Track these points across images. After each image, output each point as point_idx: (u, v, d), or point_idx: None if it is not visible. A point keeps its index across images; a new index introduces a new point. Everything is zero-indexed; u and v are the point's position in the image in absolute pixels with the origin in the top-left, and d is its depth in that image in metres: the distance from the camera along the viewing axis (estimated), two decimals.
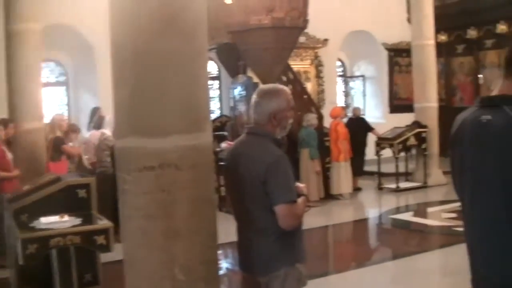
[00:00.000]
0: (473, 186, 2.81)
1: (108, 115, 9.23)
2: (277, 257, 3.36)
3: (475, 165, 2.77)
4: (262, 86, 3.61)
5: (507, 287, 2.70)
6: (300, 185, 3.57)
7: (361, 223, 10.50)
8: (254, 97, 3.50)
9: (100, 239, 5.17)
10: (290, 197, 3.29)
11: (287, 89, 3.56)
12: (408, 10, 15.22)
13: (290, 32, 11.55)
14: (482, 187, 2.75)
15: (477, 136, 2.73)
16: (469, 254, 2.91)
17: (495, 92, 2.78)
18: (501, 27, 15.49)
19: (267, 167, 3.25)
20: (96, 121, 10.18)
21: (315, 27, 13.21)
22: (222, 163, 3.49)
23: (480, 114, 2.72)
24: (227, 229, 3.90)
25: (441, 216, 10.08)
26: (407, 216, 10.46)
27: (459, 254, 7.67)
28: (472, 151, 2.77)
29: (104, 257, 5.93)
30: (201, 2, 3.10)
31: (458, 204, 8.48)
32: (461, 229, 8.56)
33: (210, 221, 3.15)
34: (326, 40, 15.63)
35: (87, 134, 10.57)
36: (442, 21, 14.54)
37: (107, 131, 9.27)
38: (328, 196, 11.74)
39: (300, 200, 3.39)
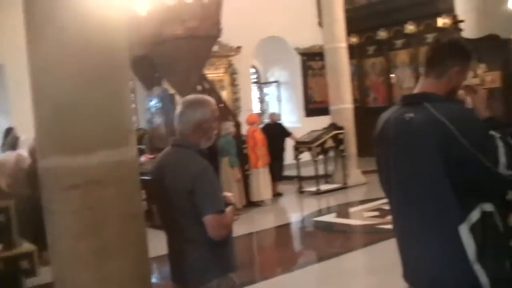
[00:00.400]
0: (399, 183, 2.84)
1: (23, 135, 8.86)
2: (209, 268, 3.33)
3: (400, 162, 2.81)
4: (187, 97, 3.56)
5: (437, 280, 2.72)
6: (228, 194, 3.56)
7: (285, 228, 10.47)
8: (179, 107, 3.45)
9: (24, 264, 4.97)
10: (218, 207, 3.26)
11: (212, 99, 3.52)
12: (319, 14, 15.38)
13: (204, 41, 11.43)
14: (409, 183, 2.78)
15: (401, 133, 2.78)
16: (400, 249, 2.91)
17: (416, 90, 2.87)
18: (410, 28, 15.97)
19: (193, 179, 3.22)
20: (10, 141, 9.75)
21: (228, 35, 13.14)
22: (143, 177, 3.40)
23: (403, 112, 2.79)
24: (153, 243, 3.76)
25: (363, 215, 10.18)
26: (330, 218, 10.52)
27: (383, 252, 7.82)
28: (397, 148, 2.82)
29: (30, 282, 5.66)
30: (119, 16, 3.05)
31: (380, 202, 8.64)
32: (383, 226, 8.77)
33: (140, 236, 3.13)
34: (239, 47, 15.61)
35: (1, 155, 10.11)
36: (353, 24, 14.80)
37: (23, 151, 8.88)
38: (250, 203, 11.68)
39: (228, 209, 3.36)
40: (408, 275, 2.90)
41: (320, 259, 8.16)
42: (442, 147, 2.60)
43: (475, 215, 2.64)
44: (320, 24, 15.00)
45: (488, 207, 2.65)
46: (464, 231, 2.61)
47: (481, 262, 2.60)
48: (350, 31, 14.40)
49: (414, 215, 2.77)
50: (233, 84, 16.10)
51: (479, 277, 2.61)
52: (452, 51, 2.81)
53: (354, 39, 16.75)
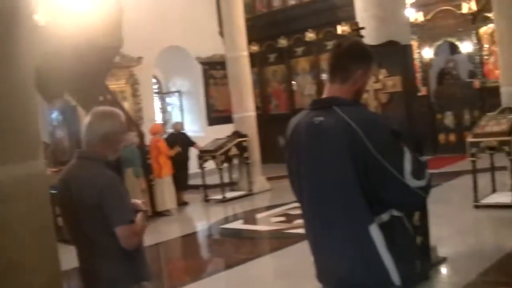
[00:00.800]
0: (311, 185, 2.88)
1: None
2: (123, 278, 3.30)
3: (312, 165, 2.86)
4: (96, 108, 3.49)
5: (350, 278, 2.79)
6: (137, 201, 3.52)
7: (192, 236, 10.41)
8: (87, 118, 3.40)
9: None
10: (128, 217, 3.24)
11: (120, 112, 3.47)
12: (220, 24, 15.47)
13: (106, 52, 11.25)
14: (321, 185, 2.84)
15: (312, 137, 2.84)
16: (313, 251, 2.95)
17: (324, 95, 2.93)
18: (310, 35, 16.36)
19: (101, 192, 3.19)
20: None
21: (129, 46, 12.97)
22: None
23: (313, 116, 2.85)
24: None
25: (270, 221, 10.28)
26: (237, 225, 10.56)
27: (291, 256, 7.93)
28: (309, 152, 2.87)
29: None
30: (21, 24, 2.95)
31: (286, 207, 8.79)
32: (291, 231, 8.87)
33: (52, 250, 3.00)
34: (140, 58, 15.48)
35: None
36: (254, 32, 14.97)
37: None
38: (155, 213, 11.56)
39: (138, 216, 3.34)
40: (322, 275, 2.96)
41: (229, 266, 8.16)
42: (351, 149, 2.67)
43: (384, 217, 2.75)
44: (221, 33, 15.08)
45: (397, 212, 2.78)
46: (374, 230, 2.69)
47: (392, 260, 2.69)
48: (251, 39, 14.54)
49: (326, 216, 2.83)
50: (135, 94, 15.94)
51: (391, 275, 2.70)
52: (354, 55, 2.89)
53: (255, 48, 16.94)
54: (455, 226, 8.25)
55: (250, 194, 13.07)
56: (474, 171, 9.06)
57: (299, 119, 2.96)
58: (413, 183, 2.68)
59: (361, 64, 2.87)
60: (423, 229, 6.16)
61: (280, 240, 8.80)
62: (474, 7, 14.33)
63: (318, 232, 2.90)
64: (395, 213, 2.78)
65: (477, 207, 9.02)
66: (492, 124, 9.19)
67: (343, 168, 2.70)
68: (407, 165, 2.67)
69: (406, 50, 6.30)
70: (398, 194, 2.71)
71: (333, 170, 2.76)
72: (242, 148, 13.16)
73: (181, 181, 12.47)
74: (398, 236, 2.77)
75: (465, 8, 14.45)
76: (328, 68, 2.94)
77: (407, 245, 2.83)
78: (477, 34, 14.63)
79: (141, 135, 11.85)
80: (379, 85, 6.34)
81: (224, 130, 14.07)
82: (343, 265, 2.79)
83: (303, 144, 2.88)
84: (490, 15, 12.64)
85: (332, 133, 2.73)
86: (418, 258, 2.94)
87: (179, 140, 12.73)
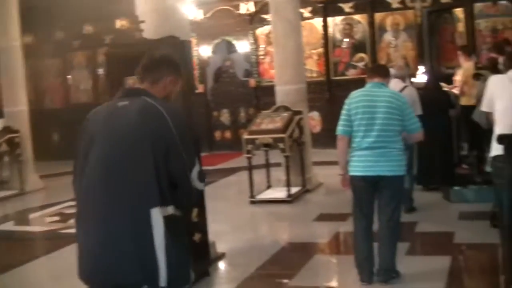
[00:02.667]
0: (102, 168, 2.82)
1: None
2: None
3: (107, 147, 2.85)
4: None
5: (120, 264, 2.75)
6: None
7: None
8: None
9: None
10: None
11: None
12: None
13: None
14: (113, 168, 2.81)
15: (111, 119, 2.89)
16: (81, 245, 2.86)
17: None
18: (88, 29, 15.80)
19: None
20: None
21: None
22: None
23: (117, 101, 2.95)
24: None
25: (44, 221, 9.77)
26: (8, 226, 9.85)
27: (67, 257, 7.52)
28: (105, 134, 2.87)
29: None
30: None
31: (60, 207, 8.37)
32: (66, 231, 8.42)
33: None
34: None
35: None
36: (29, 23, 14.11)
37: None
38: None
39: None
40: (87, 270, 2.86)
41: (2, 270, 7.62)
42: (157, 132, 2.77)
43: (169, 210, 2.79)
44: None
45: (169, 209, 2.81)
46: (155, 215, 2.72)
47: (165, 258, 2.72)
48: (25, 30, 13.69)
49: (111, 200, 2.78)
50: None
51: (159, 265, 2.71)
52: (167, 62, 3.12)
53: (29, 39, 16.02)
54: (232, 222, 8.46)
55: (22, 193, 12.26)
56: (250, 168, 9.35)
57: (99, 107, 3.03)
58: (197, 183, 2.91)
59: (172, 72, 3.10)
60: (202, 225, 6.18)
61: (55, 241, 8.37)
62: (252, 8, 14.86)
63: (96, 208, 2.82)
64: (176, 212, 2.83)
65: (253, 202, 9.33)
66: (267, 121, 9.56)
67: (140, 147, 2.76)
68: (197, 165, 2.84)
69: (185, 46, 6.29)
70: (184, 186, 2.85)
71: (131, 153, 2.79)
72: (14, 145, 12.36)
73: None
74: (175, 236, 2.80)
75: (243, 9, 14.93)
76: (140, 68, 3.07)
77: (182, 248, 2.88)
78: (254, 34, 15.18)
79: None
80: None
81: None
82: (113, 249, 2.75)
83: (100, 127, 2.89)
84: (267, 16, 13.17)
85: (136, 114, 2.82)
86: (191, 266, 3.00)
87: None
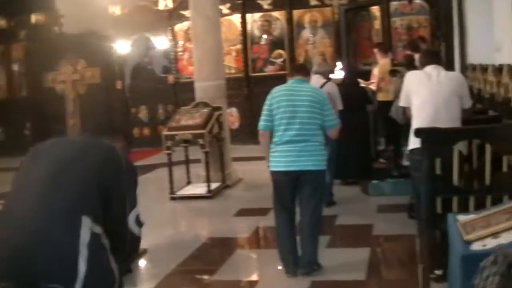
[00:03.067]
0: (43, 175, 2.79)
1: None
2: None
3: (56, 155, 2.88)
4: None
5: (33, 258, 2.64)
6: None
7: None
8: None
9: None
10: None
11: None
12: None
13: None
14: (54, 176, 2.76)
15: (61, 145, 3.01)
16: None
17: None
18: (1, 23, 15.08)
19: None
20: None
21: None
22: None
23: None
24: None
25: None
26: None
27: None
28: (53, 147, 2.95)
29: None
30: None
31: None
32: None
33: None
34: None
35: None
36: None
37: None
38: None
39: None
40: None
41: None
42: (104, 162, 2.83)
43: (97, 229, 2.73)
44: None
45: (97, 229, 2.71)
46: (84, 230, 2.65)
47: (85, 268, 2.62)
48: None
49: (44, 199, 2.71)
50: None
51: (79, 270, 2.62)
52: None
53: None
54: (153, 218, 8.27)
55: None
56: (170, 164, 9.25)
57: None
58: (134, 227, 2.92)
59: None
60: None
61: None
62: (170, 4, 14.71)
63: (27, 206, 2.72)
64: (96, 229, 2.71)
65: (173, 199, 9.24)
66: (186, 118, 9.49)
67: (89, 164, 2.80)
68: (137, 208, 2.85)
69: (106, 41, 6.17)
70: (120, 228, 2.85)
71: (79, 159, 2.82)
72: None
73: None
74: (96, 251, 2.70)
75: (161, 5, 14.77)
76: None
77: (104, 259, 2.77)
78: (172, 31, 15.03)
79: None
80: (77, 76, 6.14)
81: None
82: (36, 247, 2.63)
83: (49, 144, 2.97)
84: (185, 13, 13.06)
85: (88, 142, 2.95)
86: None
87: None
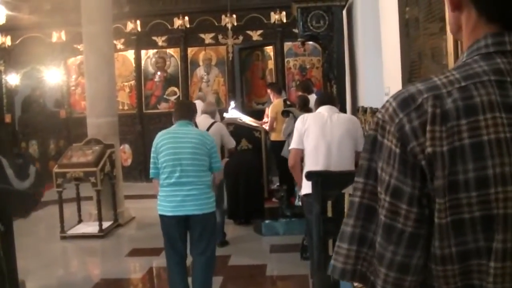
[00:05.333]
0: None
1: None
2: None
3: None
4: None
5: None
6: None
7: None
8: None
9: None
10: None
11: None
12: None
13: None
14: None
15: None
16: None
17: None
18: None
19: None
20: None
21: None
22: None
23: None
24: None
25: None
26: None
27: None
28: None
29: None
30: None
31: None
32: None
33: None
34: None
35: None
36: None
37: None
38: None
39: None
40: None
41: None
42: None
43: None
44: None
45: None
46: None
47: None
48: None
49: None
50: None
51: None
52: None
53: None
54: (43, 258, 8.11)
55: None
56: (61, 202, 9.06)
57: None
58: (16, 182, 2.72)
59: None
60: (10, 263, 5.87)
61: None
62: (63, 37, 14.49)
63: None
64: None
65: (64, 238, 9.03)
66: (78, 155, 9.33)
67: None
68: (8, 170, 2.69)
69: None
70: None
71: None
72: None
73: None
74: None
75: (54, 37, 14.52)
76: None
77: None
78: (65, 64, 14.80)
79: None
80: None
81: None
82: None
83: None
84: (79, 46, 12.91)
85: None
86: None
87: None
